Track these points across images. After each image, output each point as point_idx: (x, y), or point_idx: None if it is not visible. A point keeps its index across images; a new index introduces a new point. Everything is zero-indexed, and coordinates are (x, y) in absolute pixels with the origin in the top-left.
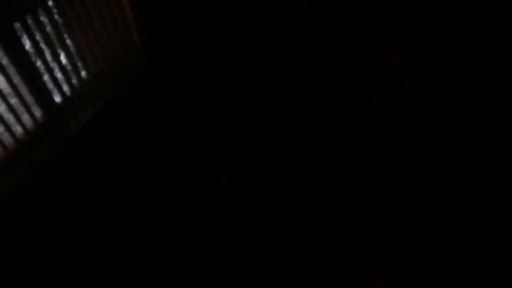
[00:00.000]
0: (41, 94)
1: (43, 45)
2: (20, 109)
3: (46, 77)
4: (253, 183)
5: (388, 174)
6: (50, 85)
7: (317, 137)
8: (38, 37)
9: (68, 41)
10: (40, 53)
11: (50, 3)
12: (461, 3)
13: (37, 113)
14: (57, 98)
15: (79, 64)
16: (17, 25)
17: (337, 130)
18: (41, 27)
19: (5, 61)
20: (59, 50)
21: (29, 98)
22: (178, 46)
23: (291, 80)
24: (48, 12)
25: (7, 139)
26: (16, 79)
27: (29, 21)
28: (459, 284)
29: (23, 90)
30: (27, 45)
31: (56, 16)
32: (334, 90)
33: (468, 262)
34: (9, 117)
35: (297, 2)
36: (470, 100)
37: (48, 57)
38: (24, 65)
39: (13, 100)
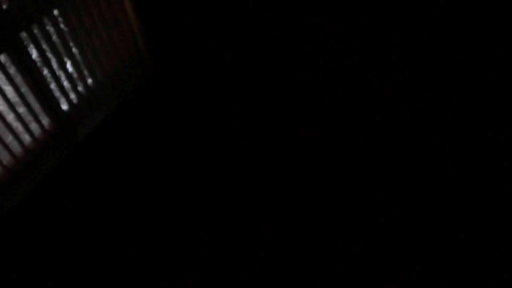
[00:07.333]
0: (49, 102)
1: (49, 54)
2: (28, 118)
3: (53, 86)
4: (261, 184)
5: (401, 176)
6: (57, 93)
7: (328, 137)
8: (44, 46)
9: (74, 49)
10: (47, 62)
11: (55, 12)
12: (462, 3)
13: (45, 121)
14: (64, 106)
15: (85, 71)
16: (24, 34)
17: (349, 130)
18: (47, 36)
19: (12, 71)
20: (65, 59)
21: (36, 106)
22: (183, 52)
23: (297, 84)
24: (54, 21)
25: (15, 147)
26: (24, 88)
27: (35, 31)
28: (470, 285)
29: (31, 98)
30: (34, 54)
31: (61, 25)
32: (338, 93)
33: (480, 263)
34: (17, 126)
35: (299, 7)
36: (470, 101)
37: (55, 65)
38: (31, 74)
39: (21, 109)
